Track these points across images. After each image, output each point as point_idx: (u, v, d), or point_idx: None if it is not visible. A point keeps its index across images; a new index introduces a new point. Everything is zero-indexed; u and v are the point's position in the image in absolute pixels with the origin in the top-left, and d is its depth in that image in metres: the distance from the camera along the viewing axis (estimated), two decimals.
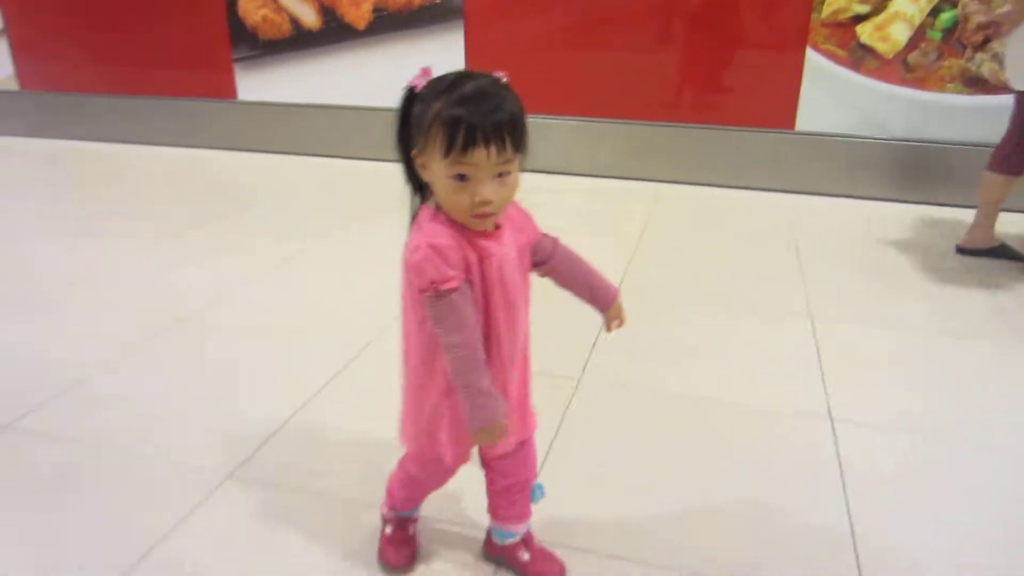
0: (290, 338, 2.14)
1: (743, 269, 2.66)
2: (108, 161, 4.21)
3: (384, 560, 1.29)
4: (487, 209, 0.98)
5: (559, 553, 1.29)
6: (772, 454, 1.62)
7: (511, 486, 1.22)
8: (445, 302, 1.00)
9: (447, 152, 0.95)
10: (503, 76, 1.01)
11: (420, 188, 1.07)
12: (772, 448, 1.65)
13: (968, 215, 2.87)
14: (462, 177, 0.97)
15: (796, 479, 1.54)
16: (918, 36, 3.21)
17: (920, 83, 3.26)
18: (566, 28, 3.66)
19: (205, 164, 4.13)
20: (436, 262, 0.99)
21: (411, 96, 1.01)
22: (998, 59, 3.13)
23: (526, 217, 1.13)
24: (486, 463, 1.22)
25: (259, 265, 2.66)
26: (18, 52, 4.66)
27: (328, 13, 4.01)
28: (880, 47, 3.27)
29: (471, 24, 3.79)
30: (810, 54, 3.35)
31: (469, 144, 0.93)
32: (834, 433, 1.69)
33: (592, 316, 1.25)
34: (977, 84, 3.21)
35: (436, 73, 1.01)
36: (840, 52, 3.32)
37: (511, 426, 1.11)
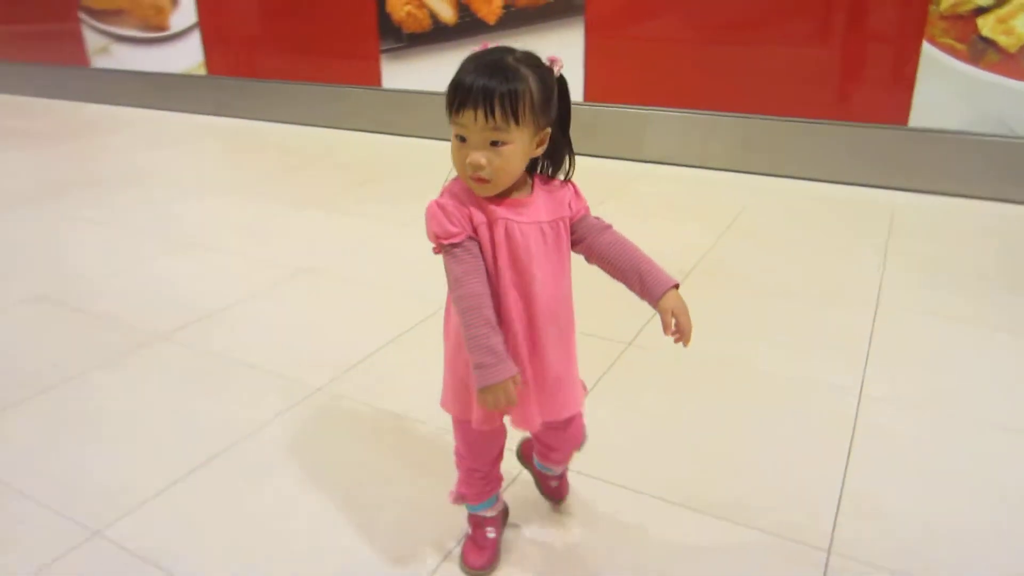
0: (395, 288, 2.51)
1: (827, 258, 2.74)
2: (265, 137, 4.83)
3: (463, 560, 1.32)
4: (480, 174, 1.03)
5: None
6: (794, 416, 1.78)
7: (552, 454, 1.33)
8: (450, 257, 1.07)
9: (448, 111, 1.04)
10: (554, 60, 1.08)
11: None
12: (795, 411, 1.80)
13: None
14: (462, 139, 1.04)
15: (810, 438, 1.70)
16: None
17: None
18: (680, 25, 3.80)
19: (351, 143, 4.65)
20: (439, 218, 1.07)
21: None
22: None
23: (574, 195, 1.16)
24: (535, 438, 1.31)
25: (383, 228, 3.08)
26: (208, 43, 5.41)
27: (463, 9, 4.37)
28: (1003, 40, 3.17)
29: (591, 20, 4.01)
30: (927, 48, 3.31)
31: (461, 105, 1.01)
32: (858, 405, 1.81)
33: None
34: None
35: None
36: (959, 46, 3.25)
37: (546, 403, 1.16)
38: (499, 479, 1.33)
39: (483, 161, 1.02)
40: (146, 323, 2.27)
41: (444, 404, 1.23)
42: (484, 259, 1.08)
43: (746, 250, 2.84)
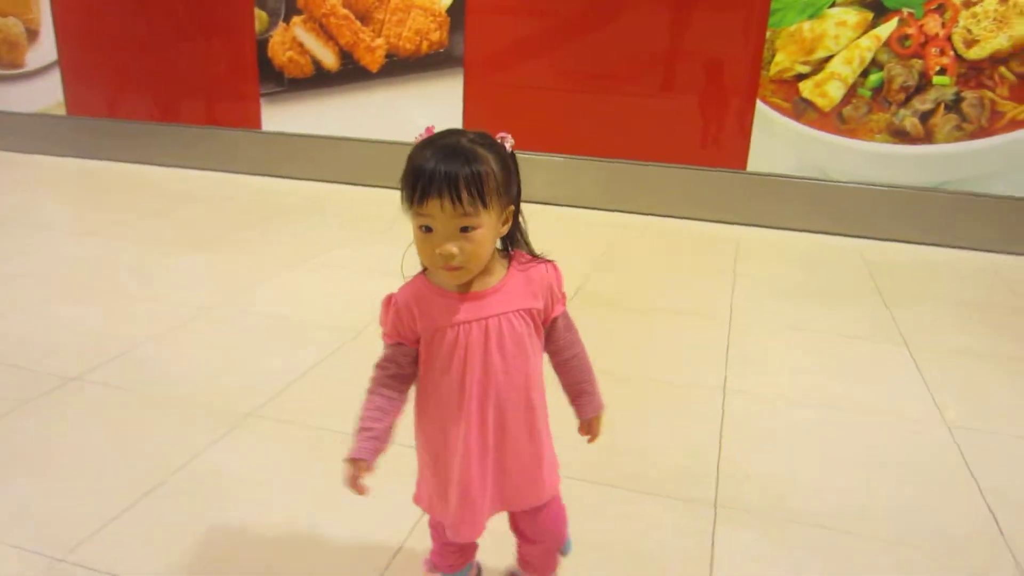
0: (294, 325, 2.63)
1: (687, 282, 3.15)
2: (136, 179, 4.75)
3: None
4: (452, 263, 0.99)
5: None
6: (678, 409, 2.10)
7: (535, 550, 1.27)
8: (384, 348, 1.12)
9: (410, 202, 0.99)
10: (504, 136, 1.06)
11: None
12: (678, 406, 2.12)
13: (885, 245, 3.35)
14: (426, 228, 0.99)
15: (692, 425, 2.01)
16: (851, 93, 3.74)
17: (853, 133, 3.78)
18: (550, 78, 4.21)
19: (230, 185, 4.67)
20: (384, 314, 1.09)
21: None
22: (917, 114, 3.65)
23: (553, 286, 1.14)
24: (512, 527, 1.27)
25: (276, 265, 3.17)
26: (68, 81, 5.25)
27: (346, 56, 4.58)
28: (819, 101, 3.79)
29: (470, 71, 4.34)
30: (760, 106, 3.88)
31: (424, 195, 0.97)
32: (724, 398, 2.16)
33: None
34: (901, 135, 3.72)
35: (439, 127, 1.08)
36: (785, 105, 3.84)
37: (512, 493, 1.15)
38: (474, 548, 1.31)
39: (455, 250, 0.99)
40: (52, 367, 2.24)
41: (418, 501, 1.22)
42: (443, 357, 1.07)
43: (618, 277, 3.20)
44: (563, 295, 1.16)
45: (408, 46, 4.43)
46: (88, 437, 1.89)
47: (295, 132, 4.78)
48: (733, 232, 3.90)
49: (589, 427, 1.24)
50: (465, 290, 1.06)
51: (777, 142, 3.90)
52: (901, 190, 3.77)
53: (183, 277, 3.04)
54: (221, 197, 4.40)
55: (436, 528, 1.25)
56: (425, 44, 4.40)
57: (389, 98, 4.55)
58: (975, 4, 3.47)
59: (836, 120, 3.79)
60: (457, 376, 1.06)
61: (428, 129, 1.06)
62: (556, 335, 1.17)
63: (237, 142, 4.91)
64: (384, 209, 4.14)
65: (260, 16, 4.68)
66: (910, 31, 3.59)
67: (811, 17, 3.69)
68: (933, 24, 3.54)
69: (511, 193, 1.06)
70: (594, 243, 3.64)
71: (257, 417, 1.99)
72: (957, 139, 3.65)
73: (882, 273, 3.31)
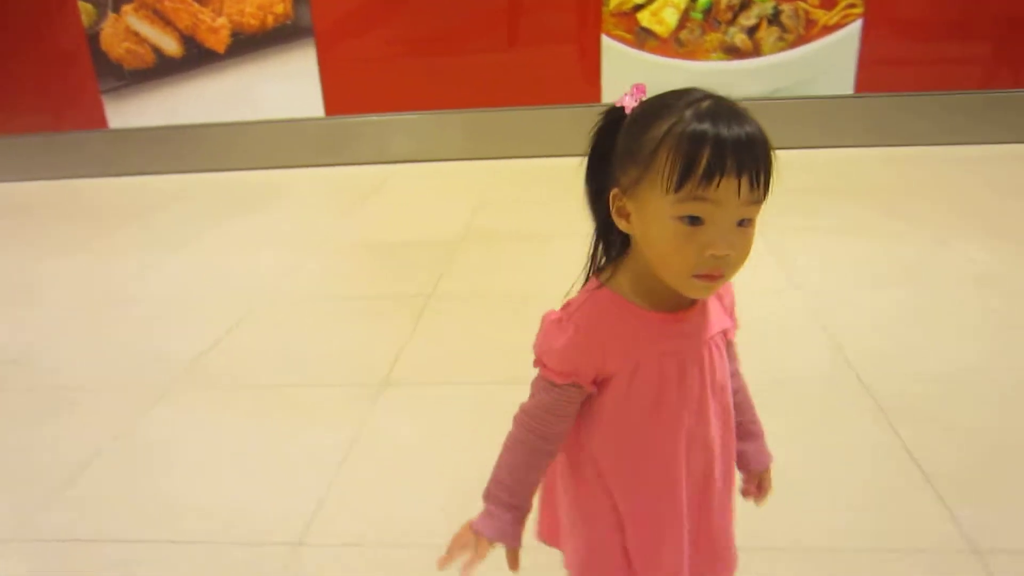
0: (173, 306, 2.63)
1: (563, 208, 3.34)
2: None
3: None
4: (719, 268, 0.73)
5: None
6: None
7: None
8: (542, 384, 0.84)
9: (681, 183, 0.70)
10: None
11: (608, 244, 0.85)
12: None
13: None
14: (694, 220, 0.72)
15: None
16: (685, 18, 4.01)
17: (691, 55, 4.07)
18: (403, 37, 4.25)
19: (82, 189, 4.45)
20: (556, 347, 0.81)
21: (614, 119, 0.79)
22: (744, 30, 3.97)
23: (733, 300, 0.90)
24: None
25: (157, 261, 3.12)
26: None
27: (188, 40, 4.43)
28: (658, 29, 4.05)
29: (321, 40, 4.31)
30: (605, 40, 4.09)
31: (716, 171, 0.69)
32: None
33: None
34: (733, 51, 4.04)
35: None
36: (628, 36, 4.08)
37: (709, 567, 0.91)
38: None
39: (730, 250, 0.72)
40: None
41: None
42: (646, 394, 0.81)
43: (502, 215, 3.35)
44: (736, 317, 0.90)
45: (253, 22, 4.34)
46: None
47: (146, 126, 4.59)
48: None
49: (760, 484, 0.98)
50: (671, 309, 0.81)
51: (625, 72, 4.13)
52: (741, 102, 4.10)
53: (65, 284, 2.94)
54: (66, 204, 4.20)
55: None
56: (270, 18, 4.32)
57: (242, 78, 4.45)
58: None
59: (675, 44, 4.06)
60: (671, 415, 0.82)
61: (638, 88, 0.79)
62: (730, 351, 0.91)
63: (83, 144, 4.66)
64: (254, 188, 4.10)
65: (85, 8, 4.43)
66: None
67: None
68: None
69: None
70: (470, 190, 3.77)
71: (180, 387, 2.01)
72: (781, 49, 4.00)
73: None
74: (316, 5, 4.25)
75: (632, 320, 0.80)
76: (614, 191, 0.78)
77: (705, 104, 0.72)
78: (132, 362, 2.20)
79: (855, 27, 3.94)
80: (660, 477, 0.84)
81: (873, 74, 4.02)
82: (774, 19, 3.95)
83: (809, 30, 3.96)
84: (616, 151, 0.78)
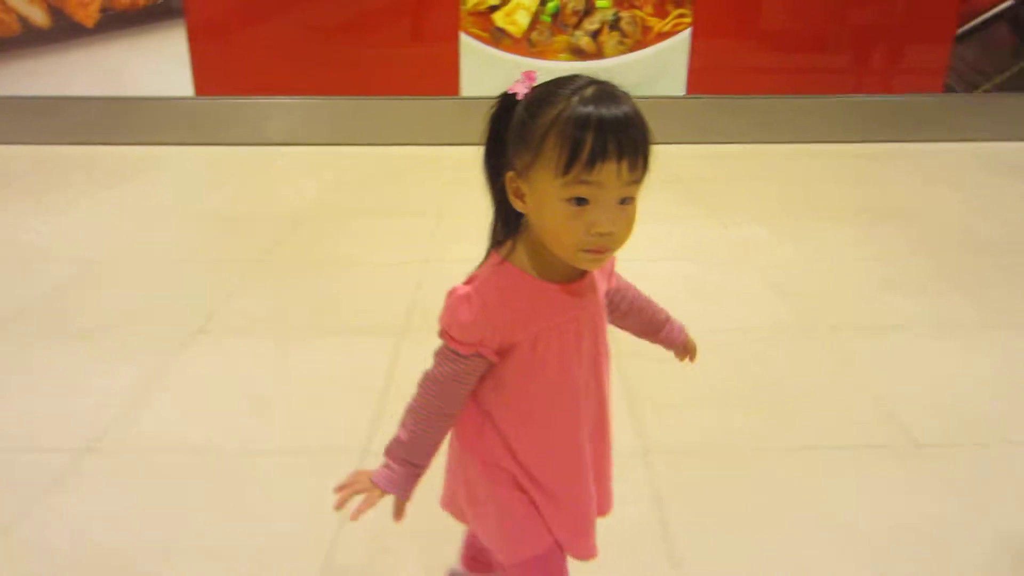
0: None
1: (402, 191, 3.65)
2: None
3: None
4: (604, 243, 0.80)
5: None
6: (386, 280, 2.58)
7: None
8: (444, 356, 0.90)
9: (567, 167, 0.77)
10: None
11: (507, 222, 0.90)
12: (388, 277, 2.60)
13: None
14: (580, 201, 0.78)
15: (389, 292, 2.50)
16: (535, 20, 4.37)
17: (542, 54, 4.43)
18: (274, 22, 4.44)
19: None
20: (462, 318, 0.87)
21: (507, 105, 0.86)
22: (589, 34, 4.36)
23: (611, 266, 1.00)
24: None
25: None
26: None
27: (56, 12, 4.47)
28: (511, 29, 4.39)
29: (192, 21, 4.44)
30: (463, 37, 4.41)
31: (598, 155, 0.76)
32: (423, 274, 2.68)
33: None
34: (579, 52, 4.43)
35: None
36: (484, 34, 4.40)
37: (602, 502, 1.02)
38: None
39: (613, 227, 0.80)
40: None
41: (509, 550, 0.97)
42: (552, 363, 0.89)
43: (351, 194, 3.63)
44: (613, 264, 1.02)
45: (123, 0, 4.44)
46: None
47: (9, 95, 4.60)
48: (452, 152, 4.44)
49: (687, 348, 1.14)
50: (566, 280, 0.88)
51: (482, 68, 4.46)
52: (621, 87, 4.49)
53: None
54: None
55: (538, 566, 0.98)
56: None
57: (110, 54, 4.53)
58: None
59: (527, 44, 4.42)
60: (571, 381, 0.90)
61: (528, 75, 0.88)
62: (616, 290, 1.04)
63: None
64: (118, 162, 4.21)
65: None
66: None
67: None
68: None
69: None
70: (329, 172, 4.02)
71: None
72: (621, 52, 4.42)
73: None
74: None
75: (533, 292, 0.86)
76: (509, 174, 0.84)
77: (588, 91, 0.80)
78: None
79: (685, 35, 4.40)
80: (564, 436, 0.93)
81: (702, 78, 4.49)
82: (615, 25, 4.36)
83: (645, 36, 4.39)
84: (510, 136, 0.84)
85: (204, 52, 4.48)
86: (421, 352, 0.98)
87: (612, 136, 0.77)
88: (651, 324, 1.10)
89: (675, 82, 4.50)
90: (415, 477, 0.93)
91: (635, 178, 0.80)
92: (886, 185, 3.83)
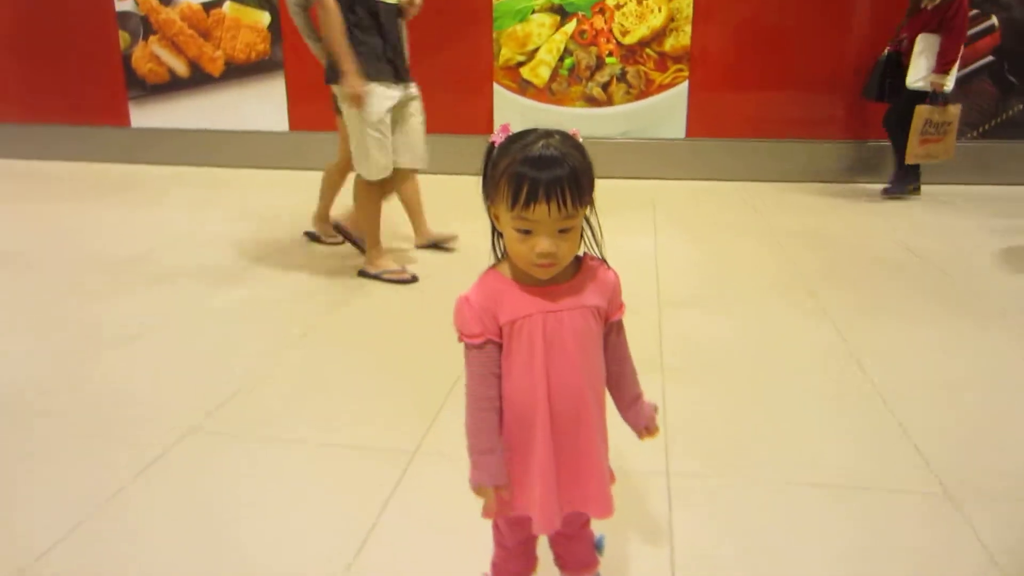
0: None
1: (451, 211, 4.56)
2: (35, 172, 5.90)
3: None
4: (546, 261, 1.03)
5: None
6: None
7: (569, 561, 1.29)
8: (468, 354, 1.10)
9: (512, 206, 1.00)
10: (574, 132, 1.08)
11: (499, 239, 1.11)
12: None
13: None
14: (526, 232, 1.02)
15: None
16: (554, 74, 5.24)
17: (560, 102, 5.28)
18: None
19: (104, 172, 5.86)
20: (464, 315, 1.08)
21: (490, 151, 1.06)
22: (600, 85, 5.17)
23: (615, 290, 1.15)
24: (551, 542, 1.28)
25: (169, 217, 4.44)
26: None
27: (194, 65, 5.84)
28: (535, 81, 5.28)
29: (289, 73, 5.67)
30: (496, 87, 5.34)
31: (531, 200, 0.99)
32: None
33: None
34: (592, 101, 5.24)
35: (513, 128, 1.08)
36: (513, 85, 5.32)
37: (576, 493, 1.14)
38: (535, 561, 1.29)
39: (553, 249, 1.03)
40: None
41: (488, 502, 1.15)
42: (520, 350, 1.08)
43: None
44: (622, 304, 1.17)
45: (241, 56, 5.74)
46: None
47: (158, 127, 6.00)
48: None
49: (650, 425, 1.24)
50: (541, 283, 1.09)
51: (511, 112, 5.36)
52: (597, 140, 5.27)
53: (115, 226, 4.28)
54: (93, 178, 5.60)
55: (504, 533, 1.23)
56: (254, 54, 5.71)
57: (231, 96, 5.84)
58: (624, 5, 5.02)
59: (548, 93, 5.28)
60: (538, 366, 1.08)
61: (504, 128, 1.08)
62: (612, 340, 1.18)
63: (109, 137, 6.09)
64: (223, 179, 5.41)
65: (124, 36, 5.91)
66: (586, 27, 5.11)
67: (520, 21, 5.19)
68: (599, 21, 5.08)
69: (592, 189, 1.07)
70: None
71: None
72: (628, 101, 5.19)
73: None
74: (287, 46, 5.62)
75: (508, 290, 1.09)
76: (488, 203, 1.08)
77: (533, 149, 1.01)
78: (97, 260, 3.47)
79: (684, 86, 5.11)
80: (526, 417, 1.10)
81: (699, 123, 5.16)
82: (622, 77, 5.15)
83: (649, 87, 5.14)
84: (487, 175, 1.06)
85: (296, 96, 5.68)
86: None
87: (543, 186, 0.99)
88: (621, 398, 1.22)
89: (676, 126, 5.19)
90: (500, 460, 1.12)
91: (566, 215, 1.01)
92: (826, 214, 4.33)
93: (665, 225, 4.08)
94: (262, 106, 5.76)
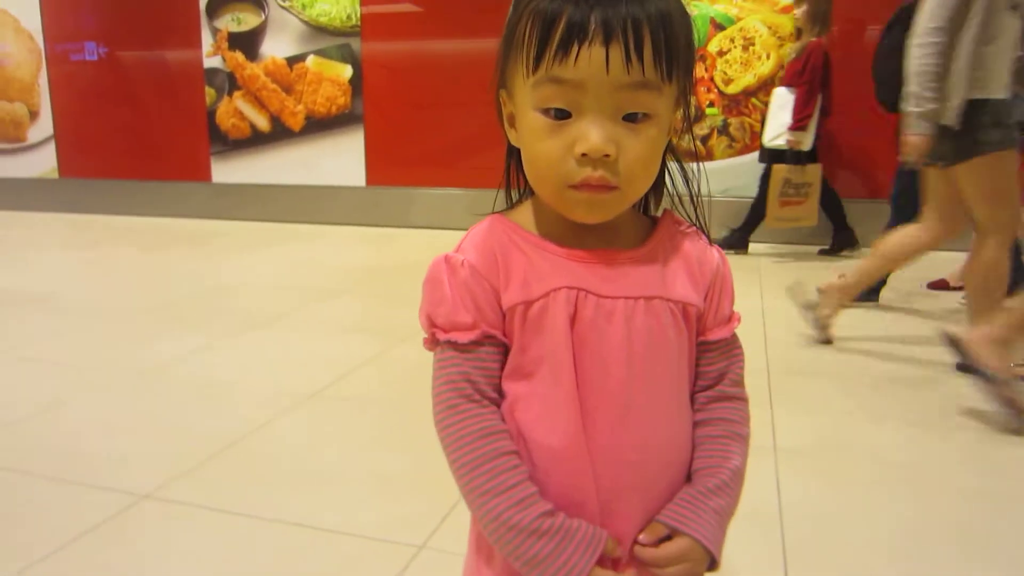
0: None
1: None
2: (116, 227, 5.88)
3: None
4: (595, 174, 0.57)
5: None
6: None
7: None
8: (442, 363, 0.63)
9: (537, 60, 0.56)
10: None
11: (509, 175, 0.69)
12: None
13: None
14: (560, 113, 0.57)
15: None
16: None
17: None
18: (422, 128, 5.32)
19: (181, 227, 5.77)
20: (441, 291, 0.63)
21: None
22: (699, 138, 4.69)
23: (721, 282, 0.69)
24: None
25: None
26: (61, 150, 6.45)
27: (275, 120, 5.73)
28: None
29: (369, 126, 5.47)
30: None
31: (575, 34, 0.54)
32: None
33: None
34: (689, 155, 4.75)
35: None
36: None
37: None
38: None
39: (611, 147, 0.57)
40: None
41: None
42: (543, 355, 0.62)
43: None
44: (734, 313, 0.71)
45: (321, 109, 5.59)
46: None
47: (239, 182, 5.90)
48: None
49: (670, 563, 0.66)
50: (584, 243, 0.64)
51: None
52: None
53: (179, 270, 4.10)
54: (174, 232, 5.50)
55: None
56: (334, 107, 5.55)
57: (310, 151, 5.68)
58: (726, 53, 4.56)
59: None
60: (565, 393, 0.62)
61: None
62: (707, 370, 0.70)
63: (191, 192, 6.03)
64: (300, 235, 5.20)
65: (209, 92, 5.88)
66: None
67: None
68: (699, 69, 4.63)
69: (692, 75, 0.63)
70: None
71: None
72: (730, 156, 4.68)
73: None
74: (368, 100, 5.43)
75: (525, 249, 0.65)
76: (501, 91, 0.63)
77: None
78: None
79: None
80: (563, 486, 0.64)
81: None
82: (723, 130, 4.66)
83: (753, 141, 4.62)
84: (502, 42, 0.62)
85: (375, 149, 5.46)
86: None
87: (599, 8, 0.54)
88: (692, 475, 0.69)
89: None
90: (576, 522, 0.64)
91: (636, 78, 0.55)
92: None
93: (772, 288, 3.53)
94: (339, 160, 5.56)
